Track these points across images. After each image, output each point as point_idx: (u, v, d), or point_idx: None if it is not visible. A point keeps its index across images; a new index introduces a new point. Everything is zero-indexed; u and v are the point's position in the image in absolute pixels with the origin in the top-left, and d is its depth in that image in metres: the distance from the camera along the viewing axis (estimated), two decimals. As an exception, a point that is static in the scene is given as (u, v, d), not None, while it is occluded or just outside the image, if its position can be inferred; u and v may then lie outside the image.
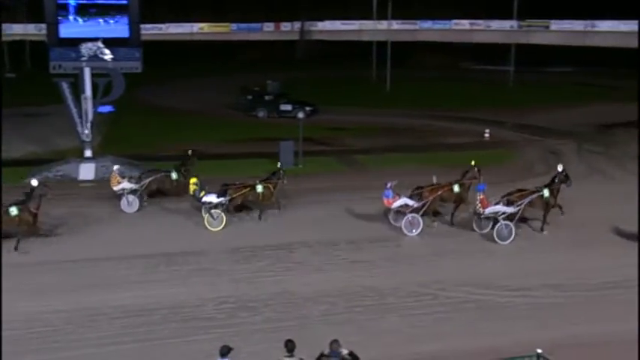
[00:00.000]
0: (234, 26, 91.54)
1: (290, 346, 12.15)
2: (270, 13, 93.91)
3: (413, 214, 23.74)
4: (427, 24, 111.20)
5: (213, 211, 24.17)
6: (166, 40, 79.39)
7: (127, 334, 16.76)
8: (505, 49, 64.01)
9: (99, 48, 30.47)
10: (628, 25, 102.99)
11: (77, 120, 31.03)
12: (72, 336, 16.70)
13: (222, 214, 24.21)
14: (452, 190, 24.54)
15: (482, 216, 23.41)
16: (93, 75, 30.66)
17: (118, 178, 26.44)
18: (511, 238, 22.88)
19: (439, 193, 24.40)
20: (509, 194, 23.87)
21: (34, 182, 23.34)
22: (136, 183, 26.78)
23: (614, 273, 20.37)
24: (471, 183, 24.76)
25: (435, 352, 16.07)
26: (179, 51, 80.00)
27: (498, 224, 23.02)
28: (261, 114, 47.29)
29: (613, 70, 70.14)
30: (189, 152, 28.36)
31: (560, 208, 23.95)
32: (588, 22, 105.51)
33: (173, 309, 18.01)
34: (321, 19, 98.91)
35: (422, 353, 16.07)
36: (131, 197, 26.42)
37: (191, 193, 24.89)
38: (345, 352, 12.14)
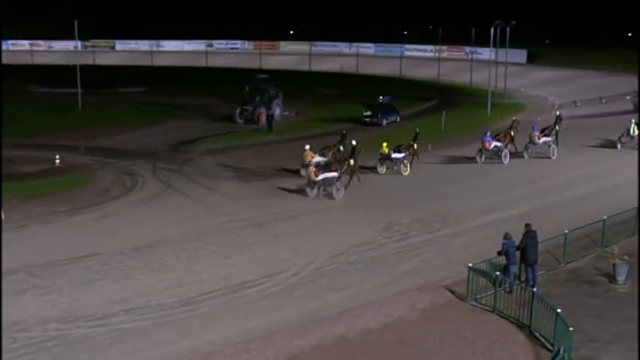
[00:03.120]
0: None
1: None
2: None
3: (507, 151, 38.52)
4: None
5: (405, 161, 35.44)
6: None
7: None
8: (72, 70, 62.42)
9: None
10: (192, 45, 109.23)
11: None
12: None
13: (409, 163, 35.62)
14: (510, 134, 39.58)
15: (537, 145, 39.13)
16: None
17: (311, 153, 33.59)
18: (557, 153, 39.35)
19: (508, 136, 39.34)
20: (544, 129, 40.06)
21: (354, 142, 34.07)
22: (323, 156, 34.54)
23: (191, 289, 21.27)
24: (516, 130, 40.57)
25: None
26: None
27: (551, 147, 39.32)
28: None
29: (178, 89, 72.80)
30: (344, 131, 38.49)
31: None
32: (154, 42, 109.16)
33: None
34: None
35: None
36: None
37: (385, 152, 34.86)
38: None
